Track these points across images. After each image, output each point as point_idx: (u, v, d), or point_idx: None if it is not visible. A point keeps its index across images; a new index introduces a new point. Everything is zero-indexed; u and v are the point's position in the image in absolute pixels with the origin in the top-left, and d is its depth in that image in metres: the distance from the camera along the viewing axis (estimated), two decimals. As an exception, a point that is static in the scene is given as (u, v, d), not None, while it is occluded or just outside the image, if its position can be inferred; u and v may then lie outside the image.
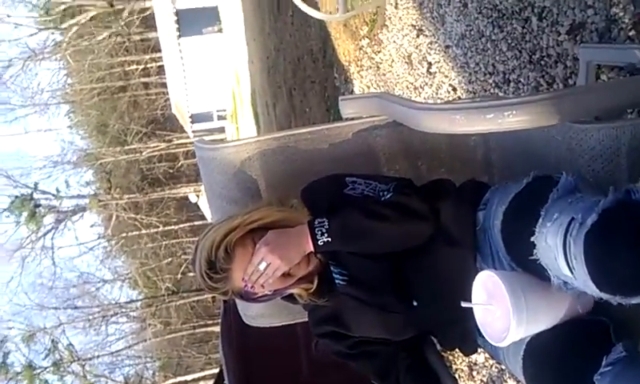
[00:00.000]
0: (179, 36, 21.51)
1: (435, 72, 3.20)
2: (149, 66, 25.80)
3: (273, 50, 9.82)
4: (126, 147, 25.41)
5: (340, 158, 1.67)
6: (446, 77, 3.07)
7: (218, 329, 3.78)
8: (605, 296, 0.98)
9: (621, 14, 1.76)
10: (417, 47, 3.43)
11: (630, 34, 1.72)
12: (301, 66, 7.26)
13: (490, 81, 2.60)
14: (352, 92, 4.89)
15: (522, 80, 2.35)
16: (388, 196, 1.41)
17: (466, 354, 1.53)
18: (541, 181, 1.22)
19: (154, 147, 25.78)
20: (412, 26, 3.46)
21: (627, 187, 1.03)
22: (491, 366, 2.91)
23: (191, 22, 21.20)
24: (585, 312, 1.19)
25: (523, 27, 2.31)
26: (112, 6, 24.28)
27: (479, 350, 1.47)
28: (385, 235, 1.36)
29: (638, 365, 1.07)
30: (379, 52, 4.10)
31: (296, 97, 7.84)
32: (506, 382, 2.79)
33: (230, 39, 19.64)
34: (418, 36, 3.40)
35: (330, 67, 5.63)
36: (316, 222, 1.36)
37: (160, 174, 25.68)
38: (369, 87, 4.40)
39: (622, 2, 1.76)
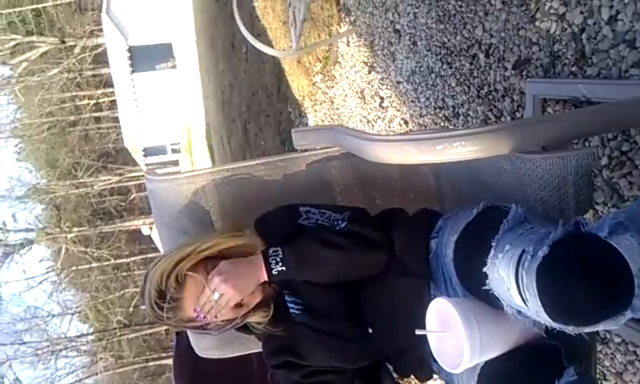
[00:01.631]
0: (132, 71, 21.39)
1: (387, 106, 3.25)
2: (101, 100, 25.51)
3: (227, 86, 9.83)
4: (76, 181, 24.91)
5: (294, 189, 1.66)
6: (398, 111, 3.12)
7: (171, 361, 3.69)
8: (558, 326, 0.99)
9: (564, 50, 1.83)
10: (369, 83, 3.49)
11: (573, 69, 1.79)
12: (255, 100, 7.28)
13: (440, 114, 2.66)
14: (306, 125, 4.92)
15: (470, 113, 2.41)
16: (342, 225, 1.41)
17: (422, 381, 1.53)
18: (491, 211, 1.25)
19: (105, 181, 25.34)
20: (364, 62, 3.52)
21: (576, 219, 1.05)
22: (446, 395, 2.91)
23: (144, 58, 21.13)
24: (538, 337, 1.20)
25: (471, 63, 2.37)
26: (63, 42, 24.00)
27: (434, 377, 1.47)
28: (340, 264, 1.36)
29: (589, 387, 1.09)
30: (332, 87, 4.15)
31: (251, 131, 7.85)
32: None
33: (184, 75, 19.63)
34: (369, 72, 3.46)
35: (284, 102, 5.66)
36: (270, 251, 1.35)
37: (111, 207, 25.23)
38: (323, 121, 4.44)
39: (565, 40, 1.83)
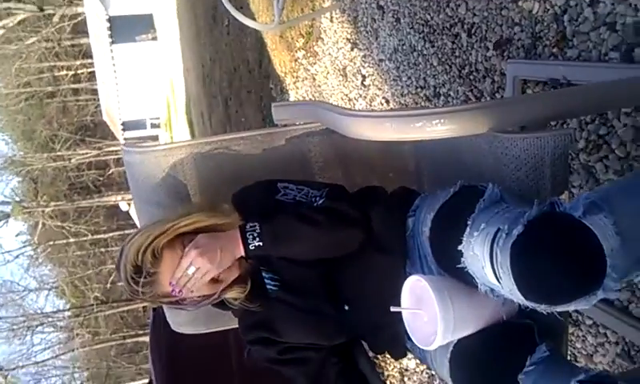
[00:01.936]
0: (112, 42, 21.06)
1: (369, 85, 3.24)
2: (79, 71, 25.12)
3: (208, 60, 9.73)
4: (54, 154, 24.60)
5: (273, 164, 1.65)
6: (380, 89, 3.11)
7: (148, 339, 3.69)
8: (531, 304, 1.00)
9: (545, 31, 1.83)
10: (351, 60, 3.47)
11: (554, 50, 1.79)
12: (237, 75, 7.22)
13: (422, 94, 2.66)
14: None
15: (451, 93, 2.41)
16: (320, 201, 1.41)
17: (396, 358, 1.54)
18: (467, 190, 1.25)
19: (83, 154, 25.06)
20: (347, 39, 3.50)
21: (551, 199, 1.06)
22: (422, 372, 2.95)
23: (124, 28, 20.80)
24: (510, 316, 1.22)
25: (453, 42, 2.37)
26: (42, 10, 23.52)
27: (410, 356, 1.48)
28: (316, 240, 1.35)
29: (561, 363, 1.10)
30: (315, 64, 4.12)
31: (232, 106, 7.79)
32: (435, 388, 2.83)
33: (165, 47, 19.38)
34: (352, 49, 3.44)
35: (266, 78, 5.62)
36: (247, 226, 1.34)
37: (89, 181, 24.99)
38: (304, 98, 4.42)
39: (547, 21, 1.83)
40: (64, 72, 25.06)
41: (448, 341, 1.18)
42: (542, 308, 0.99)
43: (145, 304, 1.52)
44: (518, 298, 1.01)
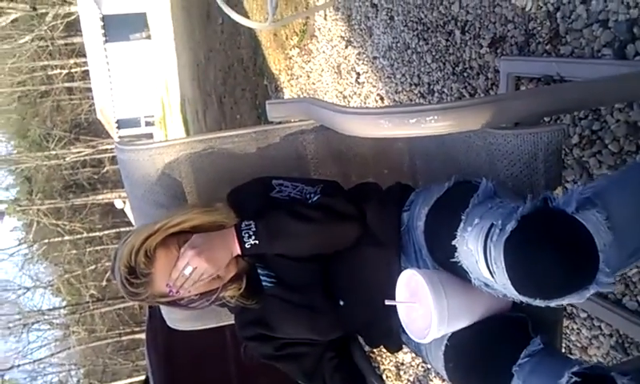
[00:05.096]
0: (105, 41, 20.99)
1: (363, 82, 3.24)
2: (73, 70, 24.99)
3: (203, 58, 9.72)
4: (48, 152, 24.51)
5: (268, 162, 1.65)
6: (374, 87, 3.12)
7: (144, 336, 3.69)
8: (525, 299, 1.01)
9: (538, 28, 1.84)
10: (345, 58, 3.48)
11: (547, 47, 1.80)
12: (231, 73, 7.21)
13: (416, 91, 2.66)
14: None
15: (445, 90, 2.42)
16: (315, 198, 1.41)
17: (391, 352, 1.55)
18: (462, 185, 1.26)
19: (77, 152, 24.97)
20: (341, 37, 3.50)
21: (545, 194, 1.07)
22: (417, 366, 2.96)
23: (118, 27, 20.74)
24: (505, 310, 1.22)
25: (447, 40, 2.37)
26: (35, 9, 23.43)
27: (405, 350, 1.48)
28: (312, 237, 1.36)
29: (554, 356, 1.11)
30: (309, 61, 4.12)
31: (226, 104, 7.79)
32: (431, 381, 2.85)
33: (159, 46, 19.34)
34: (346, 47, 3.44)
35: (260, 75, 5.62)
36: (243, 225, 1.35)
37: (84, 179, 24.89)
38: (299, 95, 4.42)
39: (540, 18, 1.84)
40: (57, 71, 24.95)
41: (442, 334, 1.19)
42: (537, 303, 1.00)
43: (142, 304, 1.51)
44: (511, 292, 1.02)
